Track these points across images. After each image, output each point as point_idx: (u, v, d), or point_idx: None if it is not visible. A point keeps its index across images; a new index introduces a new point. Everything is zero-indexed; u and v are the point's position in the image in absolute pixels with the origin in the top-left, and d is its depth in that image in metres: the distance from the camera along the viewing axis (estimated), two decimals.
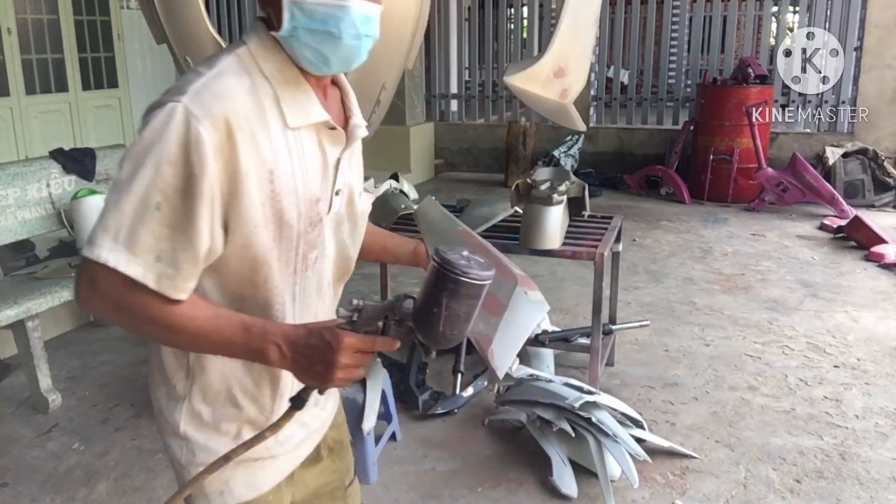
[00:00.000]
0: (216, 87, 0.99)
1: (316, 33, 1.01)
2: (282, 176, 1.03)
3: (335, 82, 1.18)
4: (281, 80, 1.05)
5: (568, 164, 7.69)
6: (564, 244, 2.98)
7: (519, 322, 1.19)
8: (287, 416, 1.03)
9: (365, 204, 1.27)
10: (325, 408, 1.29)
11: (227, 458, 1.04)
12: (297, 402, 1.03)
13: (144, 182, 0.95)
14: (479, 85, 9.02)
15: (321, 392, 1.03)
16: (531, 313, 1.24)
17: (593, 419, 2.60)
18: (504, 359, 1.16)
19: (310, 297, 1.17)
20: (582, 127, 3.87)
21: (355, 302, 1.02)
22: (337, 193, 1.13)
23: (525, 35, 10.30)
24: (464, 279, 0.93)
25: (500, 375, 1.20)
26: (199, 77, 1.00)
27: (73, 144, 4.26)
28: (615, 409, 2.75)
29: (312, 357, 0.98)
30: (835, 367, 3.49)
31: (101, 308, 1.00)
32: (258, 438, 1.04)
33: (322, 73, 1.08)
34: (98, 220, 0.97)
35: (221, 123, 0.96)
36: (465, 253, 0.97)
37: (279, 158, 1.03)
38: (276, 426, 1.04)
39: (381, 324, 1.02)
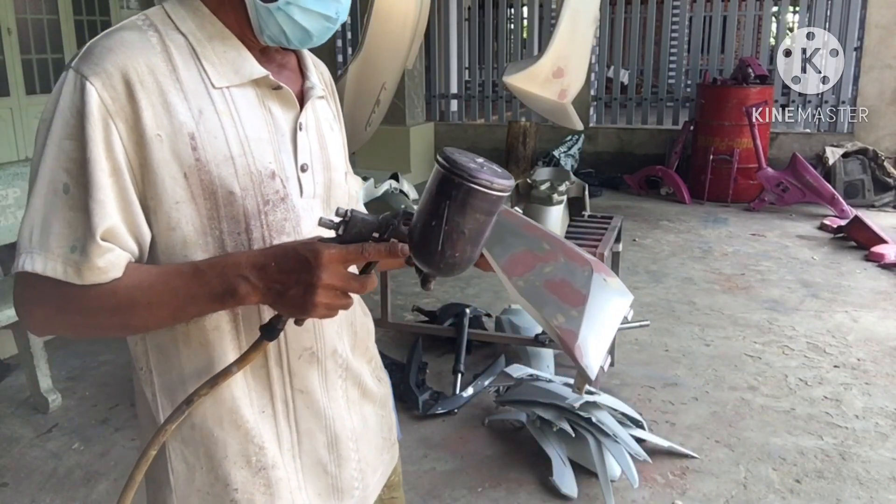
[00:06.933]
0: (108, 41, 0.88)
1: (309, 13, 0.92)
2: (209, 142, 0.90)
3: None
4: (202, 35, 0.93)
5: (568, 164, 7.69)
6: None
7: (604, 313, 1.02)
8: (256, 347, 0.91)
9: (352, 186, 1.11)
10: (367, 484, 1.13)
11: (189, 402, 0.92)
12: (268, 332, 0.90)
13: (49, 166, 0.85)
14: (479, 85, 9.01)
15: (298, 323, 0.90)
16: (615, 302, 1.04)
17: (593, 419, 2.60)
18: (595, 356, 0.98)
19: None
20: (580, 126, 3.88)
21: (341, 210, 0.85)
22: (303, 169, 0.99)
23: (525, 35, 10.31)
24: (473, 185, 0.78)
25: (593, 375, 0.98)
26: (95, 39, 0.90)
27: None
28: (615, 409, 2.75)
29: (287, 281, 0.83)
30: (835, 367, 3.49)
31: (45, 318, 0.89)
32: (224, 374, 0.92)
33: (287, 48, 0.99)
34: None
35: (117, 80, 0.85)
36: (480, 160, 0.82)
37: (203, 121, 0.90)
38: (243, 359, 0.92)
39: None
